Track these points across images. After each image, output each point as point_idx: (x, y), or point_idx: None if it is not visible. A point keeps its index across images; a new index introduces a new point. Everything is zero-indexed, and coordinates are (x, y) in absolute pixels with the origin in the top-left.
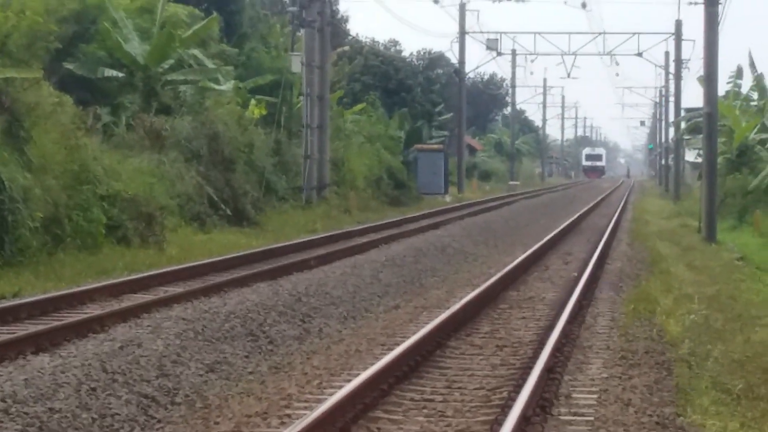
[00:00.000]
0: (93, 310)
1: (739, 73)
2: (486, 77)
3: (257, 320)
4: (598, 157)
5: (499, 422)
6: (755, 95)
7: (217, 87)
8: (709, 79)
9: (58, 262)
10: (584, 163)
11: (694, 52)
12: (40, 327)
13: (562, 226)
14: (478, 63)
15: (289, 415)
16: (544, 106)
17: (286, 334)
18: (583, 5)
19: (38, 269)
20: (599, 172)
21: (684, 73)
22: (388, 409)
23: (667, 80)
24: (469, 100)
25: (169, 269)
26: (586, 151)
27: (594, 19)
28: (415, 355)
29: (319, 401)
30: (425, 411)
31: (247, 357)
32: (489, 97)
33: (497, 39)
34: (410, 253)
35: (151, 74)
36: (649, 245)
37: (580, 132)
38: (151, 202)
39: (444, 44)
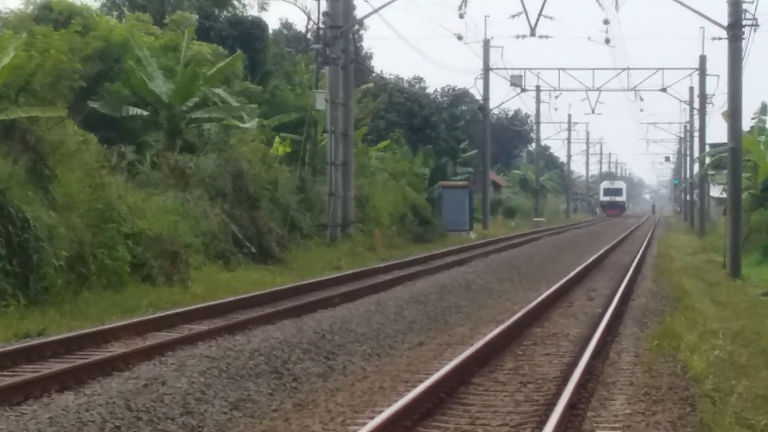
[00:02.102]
0: (117, 348)
1: (763, 108)
2: (510, 113)
3: (281, 358)
4: (618, 192)
5: None
6: None
7: (241, 125)
8: (734, 114)
9: (82, 301)
10: (602, 198)
11: (718, 88)
12: (65, 365)
13: (586, 263)
14: (503, 99)
15: None
16: (569, 142)
17: (311, 371)
18: (607, 41)
19: (63, 308)
20: (619, 208)
21: (708, 108)
22: None
23: (691, 116)
24: (493, 136)
25: (193, 307)
26: (605, 185)
27: (618, 55)
28: (439, 392)
29: None
30: None
31: (271, 394)
32: (513, 134)
33: (521, 75)
34: (435, 290)
35: (175, 112)
36: (673, 281)
37: (605, 168)
38: (175, 240)
39: (468, 81)
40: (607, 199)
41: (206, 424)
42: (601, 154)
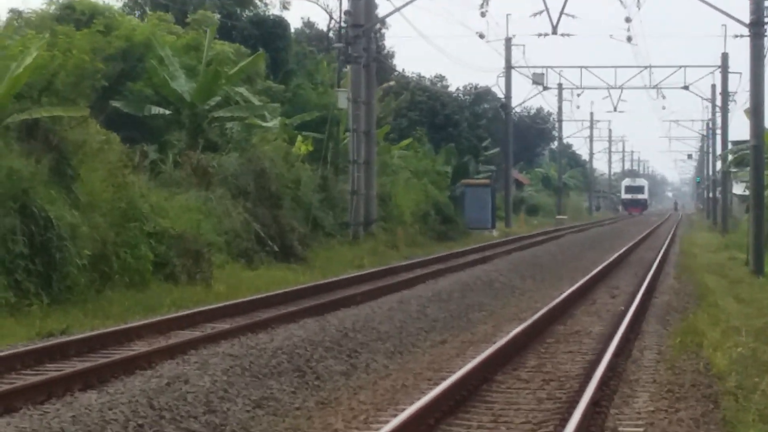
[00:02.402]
0: (140, 347)
1: None
2: (532, 111)
3: (304, 356)
4: (640, 189)
5: None
6: None
7: (263, 124)
8: (756, 111)
9: (105, 300)
10: (624, 195)
11: (740, 85)
12: (88, 364)
13: (609, 260)
14: (525, 97)
15: None
16: (591, 140)
17: (333, 369)
18: (629, 39)
19: (86, 306)
20: (641, 206)
21: (731, 105)
22: None
23: (713, 113)
24: (515, 134)
25: (216, 306)
26: (626, 182)
27: (640, 53)
28: (462, 390)
29: None
30: None
31: (294, 392)
32: (536, 132)
33: (543, 73)
34: (457, 288)
35: (197, 111)
36: (696, 278)
37: (627, 165)
38: (198, 239)
39: (490, 79)
40: (628, 196)
41: (229, 422)
42: (623, 151)
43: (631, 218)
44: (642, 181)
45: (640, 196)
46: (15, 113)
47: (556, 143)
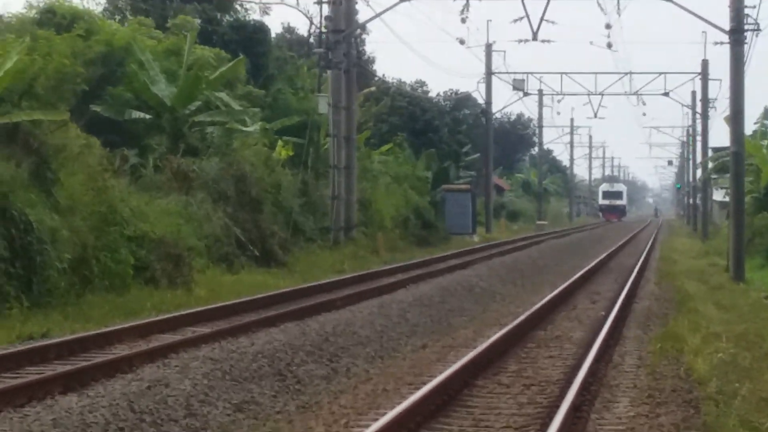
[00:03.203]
0: (121, 351)
1: (765, 113)
2: (513, 117)
3: (285, 360)
4: (618, 195)
5: None
6: None
7: (244, 128)
8: (736, 118)
9: (86, 303)
10: (601, 201)
11: (720, 92)
12: (69, 367)
13: (590, 266)
14: (505, 103)
15: None
16: (572, 146)
17: (314, 373)
18: (609, 45)
19: (66, 310)
20: (619, 212)
21: (711, 112)
22: None
23: (694, 120)
24: (496, 140)
25: (196, 310)
26: (603, 187)
27: (620, 60)
28: (443, 395)
29: None
30: None
31: (274, 396)
32: (516, 137)
33: (524, 79)
34: (438, 293)
35: (178, 116)
36: (677, 284)
37: (608, 171)
38: (178, 243)
39: (470, 85)
40: (606, 202)
41: (210, 425)
42: (603, 157)
43: (611, 224)
44: (620, 186)
45: (618, 202)
46: None
47: (536, 149)
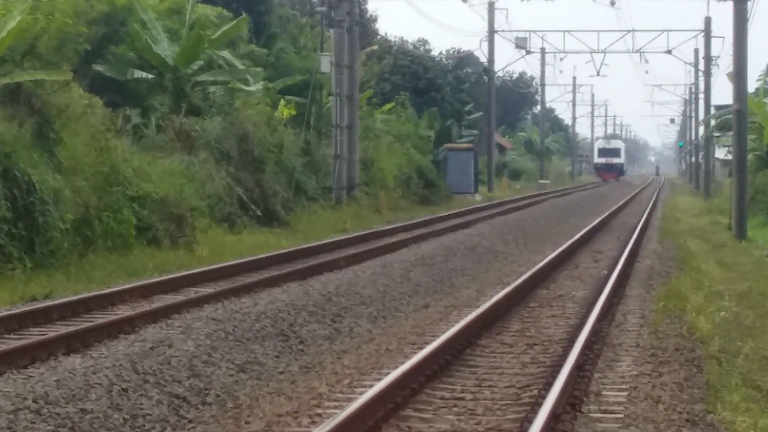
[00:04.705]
0: (124, 311)
1: None
2: (515, 76)
3: (288, 320)
4: (615, 152)
5: (529, 420)
6: None
7: (246, 88)
8: (739, 75)
9: (88, 264)
10: (596, 159)
11: (723, 49)
12: (71, 328)
13: (592, 225)
14: (508, 62)
15: (319, 414)
16: (574, 104)
17: (317, 333)
18: (612, 3)
19: (69, 271)
20: (616, 171)
21: (714, 70)
22: (418, 407)
23: (696, 77)
24: (498, 98)
25: (199, 270)
26: (599, 144)
27: (623, 17)
28: (446, 354)
29: (350, 400)
30: (455, 409)
31: (277, 357)
32: (518, 96)
33: (526, 37)
34: (440, 253)
35: (180, 75)
36: (679, 243)
37: (609, 130)
38: (181, 204)
39: (473, 43)
40: (602, 160)
41: (213, 386)
42: (606, 116)
43: (612, 182)
44: (618, 143)
45: (615, 160)
46: None
47: (538, 107)
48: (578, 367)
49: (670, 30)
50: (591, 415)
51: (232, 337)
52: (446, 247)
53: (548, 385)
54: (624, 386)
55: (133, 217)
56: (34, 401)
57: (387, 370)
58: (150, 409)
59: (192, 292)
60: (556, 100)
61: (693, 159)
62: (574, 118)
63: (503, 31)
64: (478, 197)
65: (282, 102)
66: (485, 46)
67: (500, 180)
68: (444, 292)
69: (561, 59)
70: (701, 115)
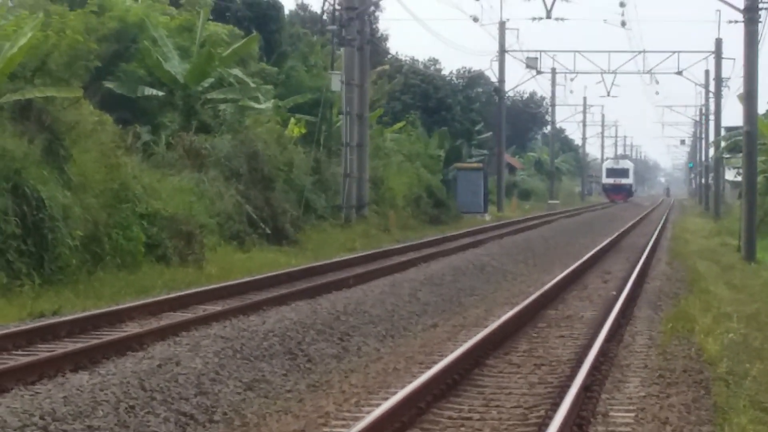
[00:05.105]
0: (132, 329)
1: None
2: (526, 96)
3: (296, 338)
4: (623, 173)
5: None
6: None
7: (256, 105)
8: (749, 97)
9: (97, 281)
10: (605, 180)
11: (734, 71)
12: (80, 345)
13: (601, 245)
14: (518, 81)
15: None
16: (584, 125)
17: (325, 352)
18: (623, 24)
19: (78, 287)
20: (625, 192)
21: (724, 91)
22: (425, 427)
23: (707, 99)
24: (508, 118)
25: (208, 288)
26: (607, 164)
27: (634, 38)
28: (453, 374)
29: (357, 419)
30: (462, 429)
31: (285, 375)
32: (529, 116)
33: (537, 57)
34: (449, 272)
35: (190, 93)
36: (688, 264)
37: (620, 150)
38: (190, 221)
39: (484, 63)
40: (610, 181)
41: (220, 404)
42: (616, 136)
43: (621, 203)
44: (626, 163)
45: (624, 181)
46: (8, 93)
47: (549, 127)
48: (586, 387)
49: (681, 51)
50: None
51: (240, 355)
52: (455, 267)
53: (555, 406)
54: (631, 407)
55: (143, 234)
56: (42, 418)
57: (394, 389)
58: (157, 426)
59: (200, 310)
60: (566, 120)
61: (703, 180)
62: (584, 139)
63: (514, 51)
64: (487, 217)
65: (292, 120)
66: (496, 65)
67: (510, 200)
68: (452, 312)
69: (571, 79)
70: (711, 137)
